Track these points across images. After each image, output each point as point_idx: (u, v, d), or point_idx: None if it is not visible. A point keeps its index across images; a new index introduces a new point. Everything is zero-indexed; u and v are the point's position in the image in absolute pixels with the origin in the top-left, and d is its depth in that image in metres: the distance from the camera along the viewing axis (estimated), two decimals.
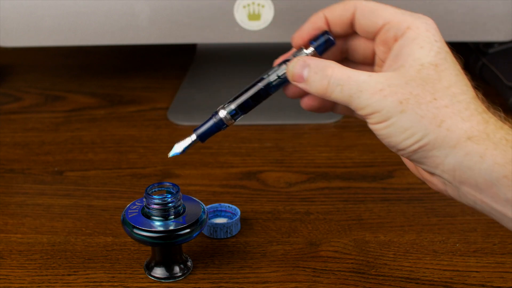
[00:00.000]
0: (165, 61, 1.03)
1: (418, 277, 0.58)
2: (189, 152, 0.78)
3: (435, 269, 0.59)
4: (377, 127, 0.47)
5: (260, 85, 0.53)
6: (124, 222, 0.57)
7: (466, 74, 0.48)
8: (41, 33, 0.83)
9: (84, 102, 0.91)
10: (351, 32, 0.52)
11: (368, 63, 0.53)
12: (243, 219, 0.66)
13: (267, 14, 0.82)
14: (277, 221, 0.66)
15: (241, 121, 0.82)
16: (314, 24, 0.51)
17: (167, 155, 0.55)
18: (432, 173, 0.48)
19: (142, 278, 0.59)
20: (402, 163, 0.55)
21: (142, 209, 0.57)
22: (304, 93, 0.53)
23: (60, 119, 0.86)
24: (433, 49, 0.47)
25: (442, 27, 0.83)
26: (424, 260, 0.60)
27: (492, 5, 0.81)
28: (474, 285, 0.57)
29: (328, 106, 0.53)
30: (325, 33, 0.51)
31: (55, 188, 0.72)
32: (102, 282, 0.58)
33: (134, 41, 0.84)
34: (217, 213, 0.66)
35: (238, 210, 0.65)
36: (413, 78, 0.46)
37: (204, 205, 0.59)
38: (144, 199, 0.57)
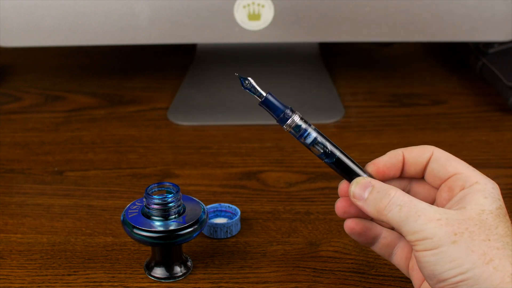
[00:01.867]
0: (165, 61, 1.03)
1: None
2: (189, 152, 0.78)
3: None
4: (424, 254, 0.47)
5: (327, 146, 0.52)
6: (124, 222, 0.57)
7: None
8: (41, 33, 0.83)
9: (84, 102, 0.91)
10: (421, 175, 0.53)
11: None
12: (243, 219, 0.66)
13: (267, 14, 0.82)
14: (277, 221, 0.66)
15: (241, 121, 0.82)
16: (391, 158, 0.53)
17: (235, 73, 0.53)
18: None
19: (142, 278, 0.59)
20: None
21: (142, 209, 0.57)
22: (351, 214, 0.53)
23: (60, 119, 0.86)
24: (495, 202, 0.48)
25: (442, 27, 0.84)
26: None
27: (492, 5, 0.81)
28: None
29: (370, 237, 0.54)
30: None
31: (55, 188, 0.72)
32: (102, 282, 0.58)
33: (134, 41, 0.84)
34: (217, 213, 0.66)
35: (238, 210, 0.65)
36: (471, 218, 0.47)
37: (204, 205, 0.59)
38: (144, 199, 0.57)
